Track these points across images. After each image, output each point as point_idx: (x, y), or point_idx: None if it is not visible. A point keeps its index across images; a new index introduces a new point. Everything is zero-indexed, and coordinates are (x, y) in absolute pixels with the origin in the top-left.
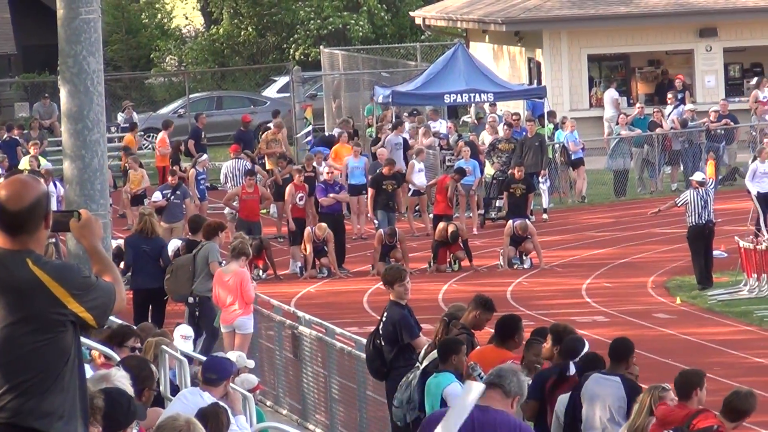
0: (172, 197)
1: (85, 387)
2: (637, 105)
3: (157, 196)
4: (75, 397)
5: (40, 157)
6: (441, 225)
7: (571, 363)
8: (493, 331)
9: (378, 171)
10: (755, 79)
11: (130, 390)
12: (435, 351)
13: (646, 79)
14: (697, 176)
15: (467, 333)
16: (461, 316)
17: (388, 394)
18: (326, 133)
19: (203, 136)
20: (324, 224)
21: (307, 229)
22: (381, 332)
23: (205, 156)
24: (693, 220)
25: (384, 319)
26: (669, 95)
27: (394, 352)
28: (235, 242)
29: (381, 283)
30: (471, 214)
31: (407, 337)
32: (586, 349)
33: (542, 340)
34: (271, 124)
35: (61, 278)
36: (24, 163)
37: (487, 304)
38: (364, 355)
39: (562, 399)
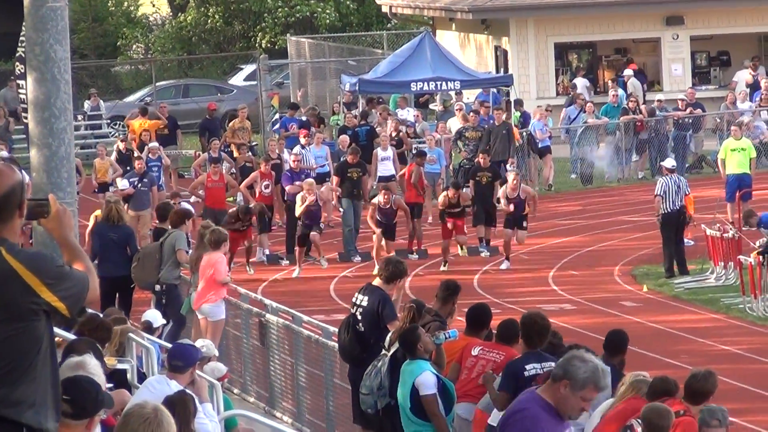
0: (139, 185)
1: (58, 376)
2: (611, 93)
3: (124, 183)
4: (46, 386)
5: None
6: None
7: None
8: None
9: (342, 159)
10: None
11: (102, 378)
12: None
13: (612, 67)
14: (667, 163)
15: (440, 321)
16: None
17: (353, 382)
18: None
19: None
20: (311, 180)
21: (302, 195)
22: (361, 317)
23: (154, 143)
24: (668, 207)
25: (364, 303)
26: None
27: (375, 335)
28: (209, 235)
29: (381, 274)
30: (436, 202)
31: (388, 318)
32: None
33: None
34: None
35: (35, 267)
36: None
37: (456, 289)
38: (331, 343)
39: None
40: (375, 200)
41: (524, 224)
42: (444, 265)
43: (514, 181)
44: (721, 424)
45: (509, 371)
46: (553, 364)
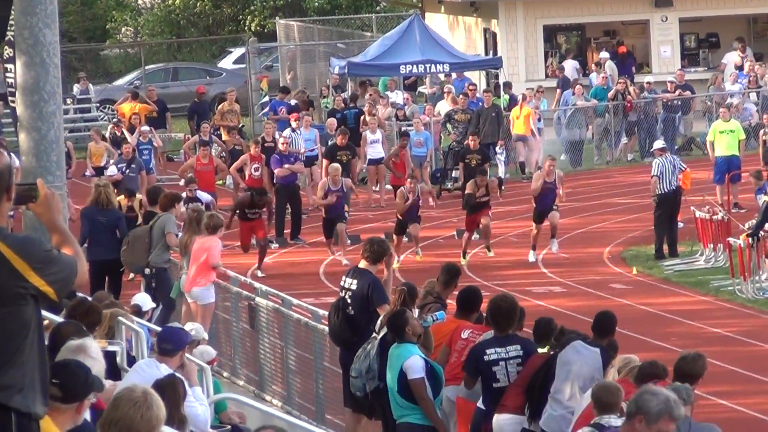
0: (128, 170)
1: (45, 360)
2: (601, 75)
3: (112, 170)
4: (34, 371)
5: None
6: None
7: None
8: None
9: (331, 142)
10: None
11: (102, 362)
12: None
13: (601, 50)
14: (657, 144)
15: (442, 303)
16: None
17: (345, 365)
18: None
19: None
20: (337, 166)
21: (323, 181)
22: (351, 300)
23: (146, 127)
24: (664, 187)
25: (353, 286)
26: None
27: (365, 319)
28: (207, 220)
29: (366, 255)
30: (424, 185)
31: (378, 302)
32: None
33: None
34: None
35: (23, 251)
36: None
37: (458, 273)
38: (321, 326)
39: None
40: (401, 193)
41: (555, 206)
42: (464, 258)
43: (551, 166)
44: (686, 402)
45: (472, 354)
46: (518, 347)
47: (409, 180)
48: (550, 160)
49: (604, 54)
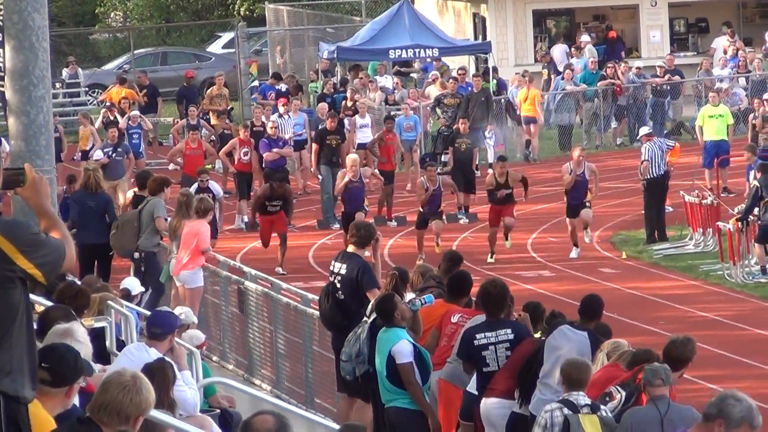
0: (114, 154)
1: (34, 343)
2: (590, 59)
3: (98, 154)
4: (23, 354)
5: None
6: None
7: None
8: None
9: (321, 126)
10: None
11: (89, 346)
12: None
13: (587, 34)
14: (643, 130)
15: (441, 288)
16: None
17: (337, 350)
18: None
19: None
20: (355, 157)
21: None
22: (341, 284)
23: (135, 111)
24: (653, 171)
25: (342, 271)
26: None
27: (356, 303)
28: (197, 204)
29: (353, 239)
30: (414, 169)
31: (367, 285)
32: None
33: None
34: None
35: (11, 234)
36: None
37: (459, 261)
38: (310, 310)
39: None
40: (420, 183)
41: (588, 204)
42: (491, 257)
43: (579, 156)
44: (665, 382)
45: (463, 338)
46: (509, 331)
47: (428, 168)
48: (580, 150)
49: (585, 37)
